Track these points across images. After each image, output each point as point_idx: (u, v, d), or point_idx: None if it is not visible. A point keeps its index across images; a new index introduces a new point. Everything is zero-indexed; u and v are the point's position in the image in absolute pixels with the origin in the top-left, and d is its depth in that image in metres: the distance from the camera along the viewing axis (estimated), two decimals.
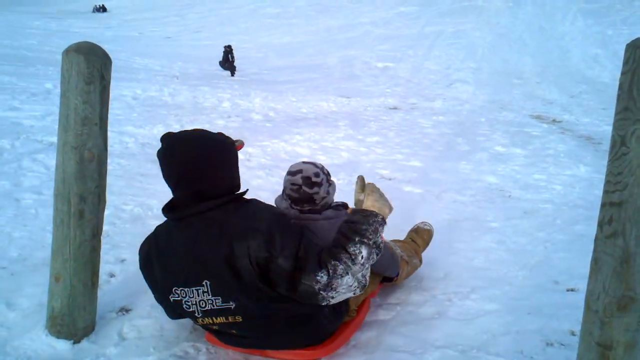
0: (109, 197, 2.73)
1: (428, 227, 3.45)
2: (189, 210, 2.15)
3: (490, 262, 3.52)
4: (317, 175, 2.55)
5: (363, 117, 9.07)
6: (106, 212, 2.68)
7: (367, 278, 2.22)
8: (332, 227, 2.37)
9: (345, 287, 2.14)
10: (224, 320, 2.23)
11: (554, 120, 9.64)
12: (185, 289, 2.19)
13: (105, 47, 2.49)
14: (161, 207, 2.22)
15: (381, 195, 2.40)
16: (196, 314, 2.23)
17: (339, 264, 2.13)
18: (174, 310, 2.37)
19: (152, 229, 3.60)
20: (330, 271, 2.12)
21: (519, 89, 13.69)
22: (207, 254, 2.12)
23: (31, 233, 3.49)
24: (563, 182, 5.50)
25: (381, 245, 2.27)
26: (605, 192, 1.64)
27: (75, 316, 2.44)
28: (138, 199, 4.26)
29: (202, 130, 2.28)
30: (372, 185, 2.43)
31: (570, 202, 4.85)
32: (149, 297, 2.82)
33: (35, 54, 13.44)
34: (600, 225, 1.67)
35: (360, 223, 2.24)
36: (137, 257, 3.20)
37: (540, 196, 5.04)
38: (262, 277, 2.11)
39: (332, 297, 2.15)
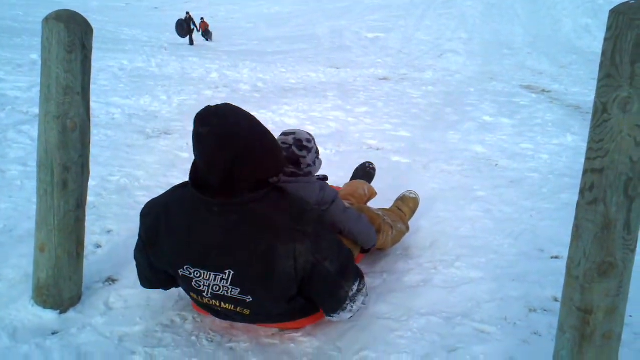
0: (95, 168, 2.72)
1: (414, 196, 3.47)
2: (228, 199, 1.98)
3: (476, 231, 3.54)
4: (308, 141, 2.59)
5: (352, 87, 9.05)
6: (92, 183, 2.67)
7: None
8: (304, 191, 2.40)
9: (357, 306, 2.25)
10: (232, 308, 2.17)
11: (543, 90, 9.65)
12: (201, 271, 2.08)
13: (91, 17, 2.46)
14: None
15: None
16: (204, 294, 2.14)
17: (363, 282, 2.26)
18: (164, 281, 2.34)
19: (139, 200, 3.66)
20: (360, 285, 2.24)
21: (510, 60, 13.69)
22: (240, 245, 2.00)
23: (16, 204, 3.47)
24: (550, 151, 5.52)
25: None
26: (587, 158, 1.64)
27: (61, 286, 2.44)
28: (124, 170, 4.24)
29: (247, 114, 2.10)
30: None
31: (556, 171, 4.88)
32: (135, 267, 2.83)
33: (21, 24, 13.27)
34: (582, 192, 1.68)
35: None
36: (122, 228, 3.24)
37: (527, 165, 5.06)
38: (300, 280, 2.07)
39: (349, 310, 2.23)
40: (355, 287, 2.20)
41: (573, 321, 1.76)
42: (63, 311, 2.47)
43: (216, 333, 2.41)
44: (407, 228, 3.26)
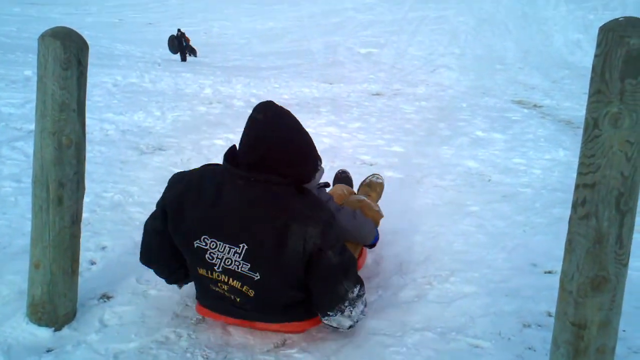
0: (89, 185, 2.72)
1: (381, 180, 3.67)
2: (257, 175, 2.16)
3: (469, 246, 3.55)
4: None
5: (345, 103, 9.07)
6: (86, 199, 2.67)
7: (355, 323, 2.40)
8: None
9: (356, 314, 2.33)
10: (238, 286, 2.24)
11: (535, 105, 9.70)
12: (218, 242, 2.20)
13: (85, 33, 2.48)
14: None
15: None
16: (215, 267, 2.23)
17: (363, 289, 2.35)
18: (165, 258, 2.46)
19: (133, 216, 3.66)
20: (361, 291, 2.33)
21: (502, 75, 13.76)
22: (259, 220, 2.16)
23: (10, 221, 3.46)
24: (542, 166, 5.54)
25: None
26: (579, 174, 1.67)
27: (55, 303, 2.44)
28: (118, 186, 4.24)
29: (299, 123, 2.34)
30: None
31: (549, 186, 4.90)
32: (130, 284, 2.84)
33: (14, 40, 13.27)
34: (574, 206, 1.70)
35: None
36: (117, 244, 3.25)
37: (519, 180, 5.08)
38: (306, 262, 2.17)
39: (349, 316, 2.30)
40: (356, 291, 2.28)
41: (567, 336, 1.77)
42: (58, 328, 2.46)
43: (211, 350, 2.40)
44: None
